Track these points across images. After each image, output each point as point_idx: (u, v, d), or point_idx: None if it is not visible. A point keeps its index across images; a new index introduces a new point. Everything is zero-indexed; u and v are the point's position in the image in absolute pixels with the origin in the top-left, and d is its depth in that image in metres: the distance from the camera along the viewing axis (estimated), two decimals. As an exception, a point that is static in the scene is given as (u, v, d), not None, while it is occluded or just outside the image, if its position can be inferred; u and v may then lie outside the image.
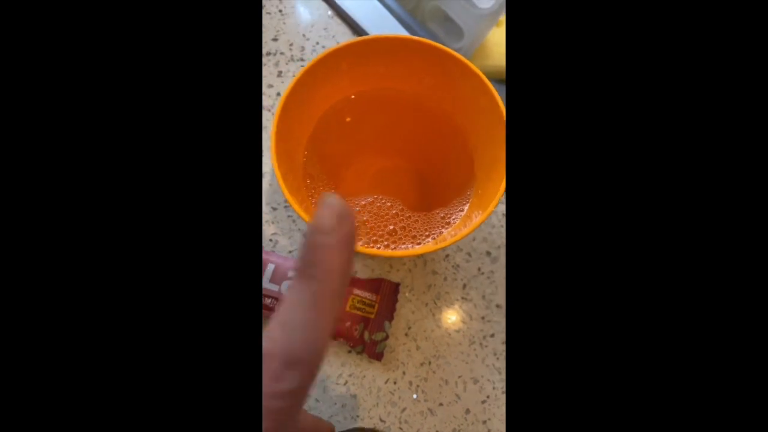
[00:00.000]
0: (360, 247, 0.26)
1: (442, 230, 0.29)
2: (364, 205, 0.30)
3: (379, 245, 0.29)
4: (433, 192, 0.31)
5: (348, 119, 0.31)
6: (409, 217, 0.30)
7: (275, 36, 0.41)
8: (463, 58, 0.27)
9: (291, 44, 0.41)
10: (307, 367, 0.16)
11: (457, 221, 0.29)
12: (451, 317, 0.37)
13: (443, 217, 0.30)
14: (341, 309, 0.34)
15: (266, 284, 0.34)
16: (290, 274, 0.34)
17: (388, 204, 0.30)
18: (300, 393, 0.16)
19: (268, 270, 0.35)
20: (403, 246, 0.29)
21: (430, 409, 0.35)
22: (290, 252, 0.37)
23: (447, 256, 0.38)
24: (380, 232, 0.29)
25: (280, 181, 0.24)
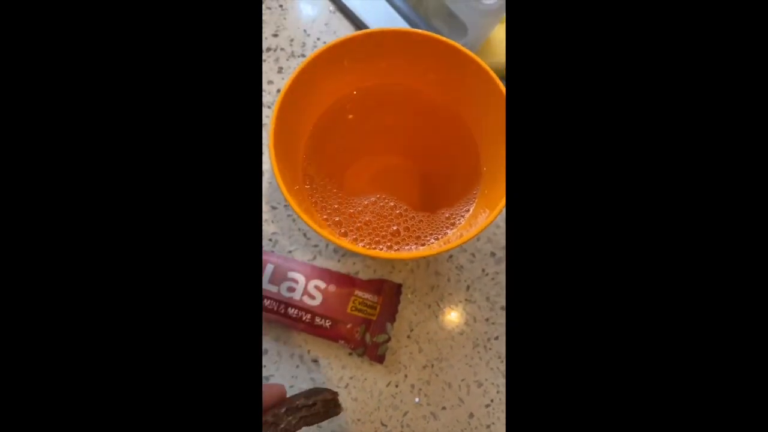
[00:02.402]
0: (362, 248, 0.25)
1: (447, 231, 0.28)
2: (367, 205, 0.29)
3: (381, 246, 0.28)
4: (437, 191, 0.30)
5: (350, 117, 0.30)
6: (413, 217, 0.29)
7: (275, 32, 0.40)
8: (469, 53, 0.26)
9: (292, 40, 0.40)
10: None
11: (463, 222, 0.28)
12: (455, 319, 0.36)
13: (448, 218, 0.29)
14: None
15: (265, 285, 0.34)
16: (290, 275, 0.34)
17: (392, 204, 0.29)
18: None
19: (268, 270, 0.34)
20: (407, 247, 0.28)
21: (432, 413, 0.35)
22: (290, 252, 0.36)
23: (450, 257, 0.37)
24: (383, 233, 0.28)
25: (279, 181, 0.23)
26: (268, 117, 0.38)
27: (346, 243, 0.23)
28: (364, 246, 0.28)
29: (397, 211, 0.29)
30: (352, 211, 0.29)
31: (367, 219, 0.29)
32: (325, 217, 0.28)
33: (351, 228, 0.28)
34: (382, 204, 0.29)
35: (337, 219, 0.28)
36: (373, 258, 0.36)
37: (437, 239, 0.28)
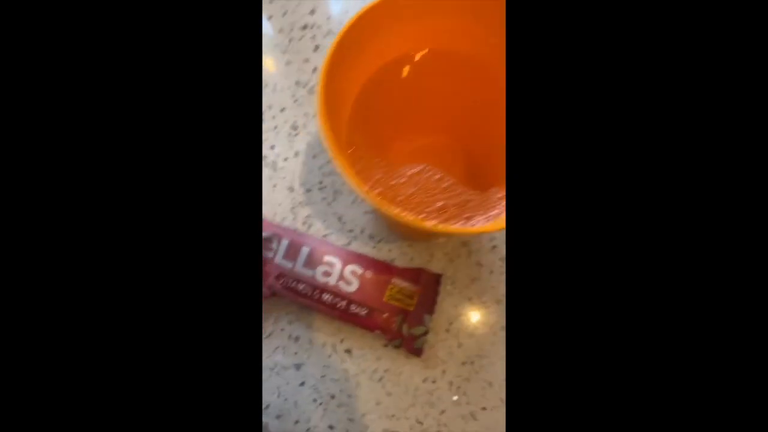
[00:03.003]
0: (411, 217, 0.23)
1: (500, 212, 0.26)
2: (411, 175, 0.27)
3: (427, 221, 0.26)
4: (490, 168, 0.27)
5: (399, 82, 0.28)
6: (461, 193, 0.27)
7: (313, 9, 0.39)
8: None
9: (328, 17, 0.39)
10: None
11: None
12: (497, 314, 0.33)
13: (501, 198, 0.26)
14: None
15: (300, 268, 0.32)
16: (326, 259, 0.32)
17: (437, 177, 0.27)
18: None
19: (303, 253, 0.32)
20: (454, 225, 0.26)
21: (471, 413, 0.32)
22: (324, 235, 0.34)
23: (494, 247, 0.35)
24: (428, 209, 0.26)
25: (330, 140, 0.21)
26: (303, 96, 0.37)
27: (408, 217, 0.21)
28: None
29: (444, 185, 0.27)
30: (393, 182, 0.26)
31: (410, 192, 0.26)
32: (366, 189, 0.26)
33: (393, 202, 0.26)
34: (427, 176, 0.27)
35: (378, 191, 0.26)
36: (409, 245, 0.34)
37: (489, 220, 0.26)
